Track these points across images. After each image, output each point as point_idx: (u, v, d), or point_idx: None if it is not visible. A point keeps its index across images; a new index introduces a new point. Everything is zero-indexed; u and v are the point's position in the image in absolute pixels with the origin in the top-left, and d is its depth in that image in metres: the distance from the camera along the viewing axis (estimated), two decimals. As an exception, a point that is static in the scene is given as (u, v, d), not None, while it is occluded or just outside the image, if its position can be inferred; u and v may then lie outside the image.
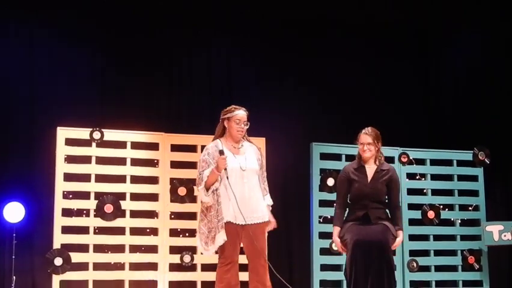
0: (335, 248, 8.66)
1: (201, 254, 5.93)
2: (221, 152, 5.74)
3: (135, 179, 8.33)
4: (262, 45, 9.62)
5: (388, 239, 6.03)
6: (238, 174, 5.79)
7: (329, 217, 8.72)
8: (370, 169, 6.20)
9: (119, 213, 8.17)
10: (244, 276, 5.97)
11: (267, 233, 6.04)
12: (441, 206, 9.13)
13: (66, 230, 8.01)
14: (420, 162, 9.16)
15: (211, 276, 8.31)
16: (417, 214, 8.91)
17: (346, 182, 6.23)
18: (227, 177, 5.71)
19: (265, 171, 6.07)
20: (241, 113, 5.93)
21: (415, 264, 8.84)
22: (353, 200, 6.20)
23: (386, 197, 6.23)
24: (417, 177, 9.07)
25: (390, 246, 6.05)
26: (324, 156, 8.84)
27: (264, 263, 5.88)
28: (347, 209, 6.29)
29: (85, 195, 8.14)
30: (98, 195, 8.14)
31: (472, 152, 9.28)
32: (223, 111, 6.00)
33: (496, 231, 8.92)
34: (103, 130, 8.21)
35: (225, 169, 5.69)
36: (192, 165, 8.50)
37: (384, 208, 6.18)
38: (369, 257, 5.93)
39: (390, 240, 6.05)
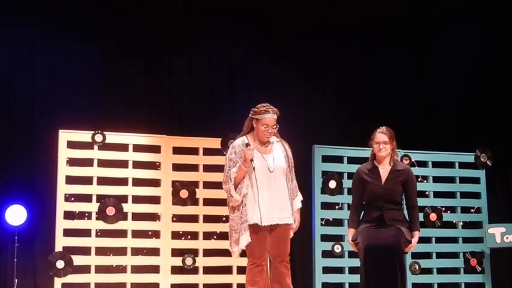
0: (337, 250, 8.67)
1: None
2: (247, 145, 5.67)
3: (137, 182, 8.32)
4: (263, 47, 9.63)
5: (400, 243, 5.95)
6: (265, 175, 5.70)
7: (331, 219, 8.74)
8: (384, 170, 6.09)
9: (121, 215, 8.17)
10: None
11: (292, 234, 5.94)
12: (444, 208, 9.12)
13: (68, 232, 8.01)
14: (422, 164, 9.15)
15: (213, 278, 8.36)
16: (419, 216, 8.87)
17: (360, 184, 6.14)
18: (254, 168, 5.62)
19: (293, 167, 5.96)
20: (269, 117, 5.74)
21: (417, 267, 8.84)
22: (368, 201, 6.10)
23: (403, 198, 6.14)
24: (419, 180, 9.04)
25: (401, 250, 5.99)
26: (326, 159, 8.84)
27: (287, 265, 5.80)
28: (363, 210, 6.22)
29: (86, 198, 8.14)
30: (100, 198, 8.14)
31: (474, 154, 9.27)
32: (253, 110, 5.82)
33: (498, 234, 8.91)
34: (104, 133, 8.21)
35: (252, 160, 5.61)
36: (194, 167, 8.51)
37: (400, 209, 6.09)
38: (380, 261, 5.89)
39: (403, 244, 5.98)
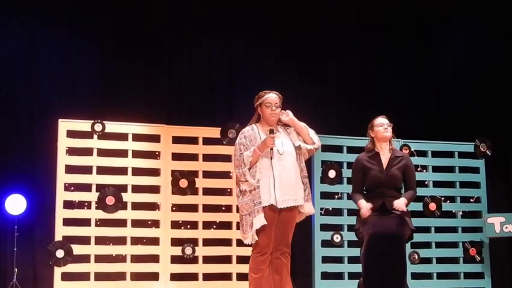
0: (337, 240, 8.66)
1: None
2: (271, 131, 5.69)
3: (136, 171, 8.32)
4: (263, 36, 9.62)
5: (404, 233, 6.02)
6: (276, 157, 5.70)
7: (331, 209, 8.75)
8: (384, 156, 6.20)
9: (121, 205, 8.17)
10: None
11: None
12: (443, 198, 9.13)
13: (67, 222, 8.02)
14: (422, 154, 9.15)
15: (212, 268, 8.37)
16: (418, 206, 8.89)
17: (360, 171, 6.23)
18: (271, 158, 5.67)
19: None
20: (271, 96, 5.84)
21: (416, 256, 8.85)
22: (369, 188, 6.17)
23: (403, 184, 6.23)
24: (418, 169, 9.02)
25: (404, 240, 6.05)
26: (326, 148, 8.82)
27: (288, 256, 5.81)
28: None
29: (86, 187, 8.14)
30: (100, 187, 8.15)
31: (474, 143, 9.27)
32: (255, 99, 5.89)
33: (497, 223, 8.91)
34: (104, 122, 8.20)
35: (271, 149, 5.66)
36: (194, 157, 8.51)
37: (400, 196, 6.16)
38: (383, 249, 5.93)
39: (406, 234, 6.06)
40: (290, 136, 5.93)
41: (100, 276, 8.06)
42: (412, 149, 9.01)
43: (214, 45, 9.51)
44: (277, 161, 5.72)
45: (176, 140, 8.50)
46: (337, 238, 8.68)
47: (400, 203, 6.00)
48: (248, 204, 5.67)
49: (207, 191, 8.51)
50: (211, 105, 9.43)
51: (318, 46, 9.79)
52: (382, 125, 6.23)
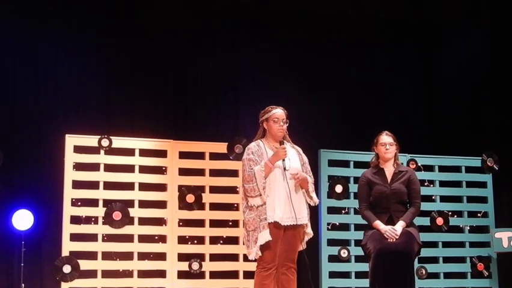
0: (344, 255, 8.63)
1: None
2: (281, 143, 5.75)
3: (143, 186, 8.33)
4: (268, 51, 9.65)
5: (412, 248, 6.02)
6: (281, 174, 5.71)
7: (337, 224, 8.73)
8: (389, 171, 6.30)
9: (128, 220, 8.17)
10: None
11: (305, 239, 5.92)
12: (450, 213, 9.10)
13: (74, 237, 8.02)
14: (429, 168, 9.13)
15: (219, 283, 8.34)
16: (425, 221, 8.86)
17: (366, 185, 6.31)
18: (285, 168, 5.68)
19: (309, 166, 5.96)
20: (279, 112, 5.86)
21: (424, 272, 8.81)
22: (375, 202, 6.22)
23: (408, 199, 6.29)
24: (425, 184, 9.03)
25: (413, 256, 6.05)
26: (332, 163, 8.83)
27: (294, 272, 5.79)
28: None
29: (93, 203, 8.15)
30: (107, 203, 8.15)
31: (481, 158, 9.24)
32: (260, 114, 5.91)
33: (505, 238, 8.88)
34: (111, 137, 8.22)
35: (283, 160, 5.68)
36: (200, 172, 8.51)
37: (407, 210, 6.22)
38: (391, 266, 5.90)
39: (414, 250, 6.06)
40: (300, 155, 5.95)
41: (107, 292, 8.07)
42: (419, 164, 9.00)
43: (220, 60, 9.53)
44: (283, 178, 5.72)
45: (183, 155, 8.50)
46: (344, 253, 8.65)
47: (392, 233, 6.05)
48: (254, 220, 5.67)
49: (214, 206, 8.51)
50: (218, 121, 9.44)
51: (324, 61, 9.81)
52: (384, 144, 6.32)
